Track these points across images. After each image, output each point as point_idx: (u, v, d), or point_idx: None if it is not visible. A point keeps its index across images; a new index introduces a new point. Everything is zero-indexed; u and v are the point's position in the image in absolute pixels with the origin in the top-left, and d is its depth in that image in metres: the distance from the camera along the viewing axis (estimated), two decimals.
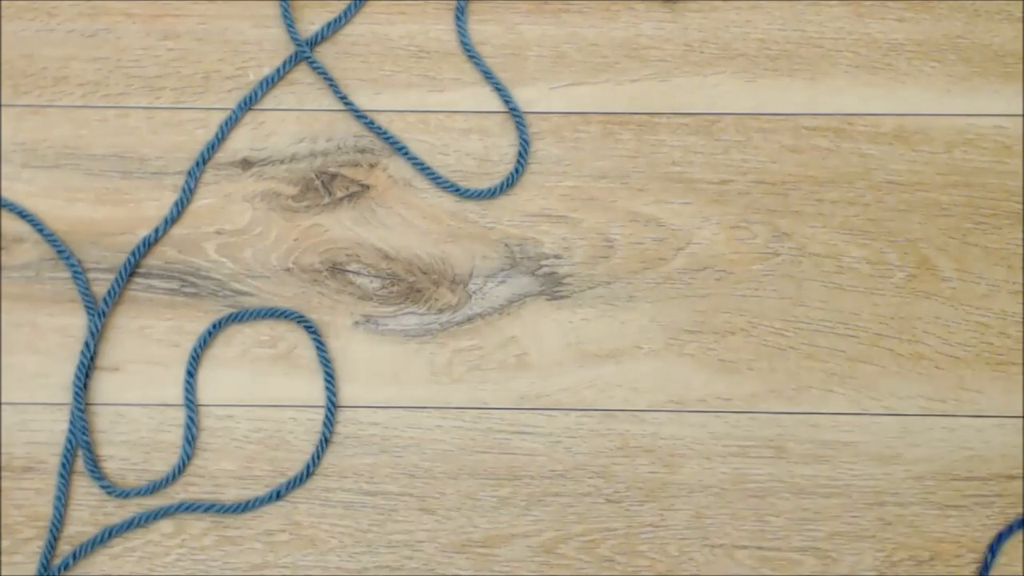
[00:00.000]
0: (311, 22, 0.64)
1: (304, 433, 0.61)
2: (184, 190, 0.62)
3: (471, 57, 0.64)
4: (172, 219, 0.62)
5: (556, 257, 0.62)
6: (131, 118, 0.64)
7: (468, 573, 0.59)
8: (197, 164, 0.63)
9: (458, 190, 0.62)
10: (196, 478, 0.60)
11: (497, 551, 0.59)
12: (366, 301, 0.62)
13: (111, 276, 0.62)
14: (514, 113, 0.63)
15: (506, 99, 0.63)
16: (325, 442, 0.60)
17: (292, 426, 0.61)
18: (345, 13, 0.64)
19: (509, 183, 0.62)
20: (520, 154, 0.62)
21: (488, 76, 0.63)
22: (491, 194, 0.62)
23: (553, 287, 0.61)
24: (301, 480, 0.60)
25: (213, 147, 0.63)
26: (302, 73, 0.64)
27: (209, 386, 0.61)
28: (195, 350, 0.61)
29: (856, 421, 0.60)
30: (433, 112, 0.63)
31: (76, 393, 0.60)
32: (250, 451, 0.61)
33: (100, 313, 0.61)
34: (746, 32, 0.63)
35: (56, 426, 0.61)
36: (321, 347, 0.61)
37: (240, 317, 0.61)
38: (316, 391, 0.61)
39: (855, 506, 0.59)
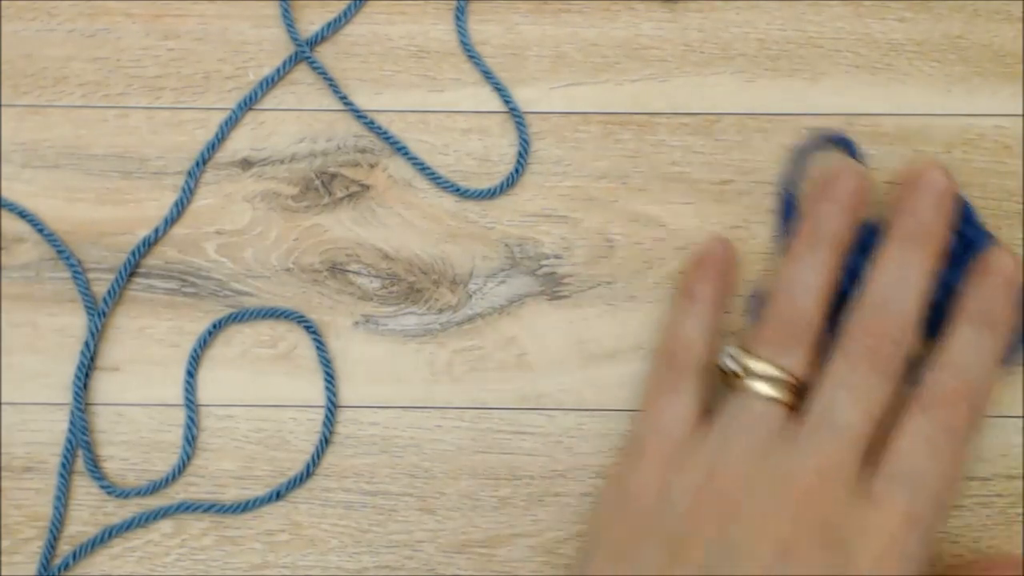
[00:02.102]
0: (311, 22, 0.64)
1: (304, 433, 0.61)
2: (184, 190, 0.62)
3: (471, 57, 0.64)
4: (172, 219, 0.62)
5: (556, 257, 0.62)
6: (131, 118, 0.64)
7: (468, 573, 0.59)
8: (197, 164, 0.63)
9: (458, 190, 0.62)
10: (196, 478, 0.60)
11: (497, 551, 0.59)
12: (366, 301, 0.62)
13: (111, 276, 0.62)
14: (514, 113, 0.63)
15: (506, 99, 0.63)
16: (325, 442, 0.60)
17: (292, 426, 0.61)
18: (345, 13, 0.64)
19: (509, 183, 0.62)
20: (520, 154, 0.62)
21: (488, 76, 0.63)
22: (491, 194, 0.62)
23: (553, 287, 0.61)
24: (301, 480, 0.60)
25: (213, 147, 0.63)
26: (302, 73, 0.64)
27: (209, 386, 0.61)
28: (195, 350, 0.61)
29: None
30: (433, 112, 0.63)
31: (76, 393, 0.60)
32: (250, 451, 0.61)
33: (100, 313, 0.61)
34: (746, 32, 0.63)
35: (56, 426, 0.61)
36: (321, 347, 0.61)
37: (240, 317, 0.61)
38: (316, 391, 0.61)
39: None
